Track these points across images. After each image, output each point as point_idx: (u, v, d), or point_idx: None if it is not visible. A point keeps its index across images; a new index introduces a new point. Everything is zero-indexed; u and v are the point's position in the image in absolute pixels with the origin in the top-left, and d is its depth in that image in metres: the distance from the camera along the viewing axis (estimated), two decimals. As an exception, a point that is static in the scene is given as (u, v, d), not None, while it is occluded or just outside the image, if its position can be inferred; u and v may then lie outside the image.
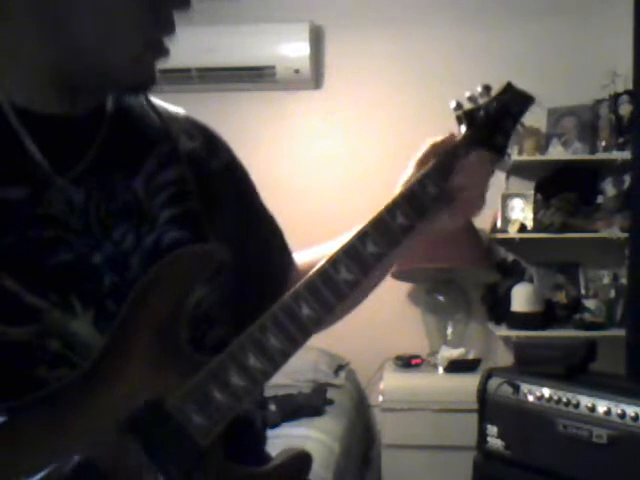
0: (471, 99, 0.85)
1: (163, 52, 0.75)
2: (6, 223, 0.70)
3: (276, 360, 0.72)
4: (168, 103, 0.89)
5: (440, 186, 0.81)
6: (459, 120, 0.84)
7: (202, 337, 0.79)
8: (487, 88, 0.85)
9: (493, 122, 0.84)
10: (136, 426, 0.68)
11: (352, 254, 0.76)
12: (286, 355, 0.73)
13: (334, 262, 0.75)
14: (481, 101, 0.85)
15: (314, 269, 0.75)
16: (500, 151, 0.85)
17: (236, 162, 0.94)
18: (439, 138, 0.84)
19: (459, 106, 0.85)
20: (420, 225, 0.80)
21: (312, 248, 0.98)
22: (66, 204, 0.72)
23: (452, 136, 0.84)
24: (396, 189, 0.81)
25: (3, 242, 0.69)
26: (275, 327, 0.72)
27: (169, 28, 0.74)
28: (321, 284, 0.74)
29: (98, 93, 0.78)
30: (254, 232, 0.93)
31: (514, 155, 3.11)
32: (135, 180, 0.77)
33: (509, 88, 0.86)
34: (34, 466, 0.65)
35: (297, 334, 0.73)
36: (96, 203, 0.74)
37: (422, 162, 0.84)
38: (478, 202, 0.84)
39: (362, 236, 0.77)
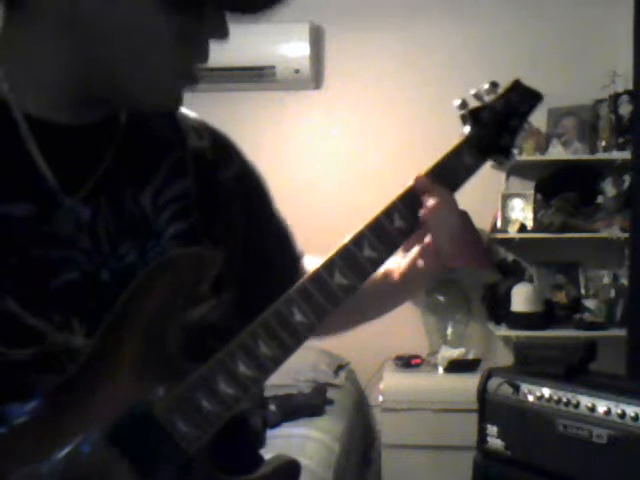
0: (477, 97, 0.81)
1: (193, 81, 0.72)
2: (11, 242, 0.68)
3: (267, 367, 0.71)
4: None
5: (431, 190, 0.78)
6: (463, 119, 0.81)
7: (212, 350, 0.76)
8: (494, 85, 0.82)
9: (499, 121, 0.81)
10: (121, 434, 0.67)
11: (347, 258, 0.73)
12: (277, 362, 0.71)
13: (328, 266, 0.73)
14: (487, 99, 0.81)
15: (307, 274, 0.73)
16: (505, 151, 0.82)
17: (249, 170, 0.90)
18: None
19: (464, 105, 0.81)
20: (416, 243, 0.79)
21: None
22: (73, 222, 0.71)
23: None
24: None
25: (7, 262, 0.67)
26: (266, 334, 0.71)
27: (203, 58, 0.72)
28: (314, 289, 0.72)
29: (117, 110, 0.76)
30: (262, 247, 0.91)
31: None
32: (143, 195, 0.75)
33: (517, 85, 0.82)
34: (18, 473, 0.64)
35: (289, 341, 0.71)
36: (104, 221, 0.72)
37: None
38: (444, 246, 0.80)
39: (358, 240, 0.74)
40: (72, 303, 0.70)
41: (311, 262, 0.97)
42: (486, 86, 0.82)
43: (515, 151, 0.84)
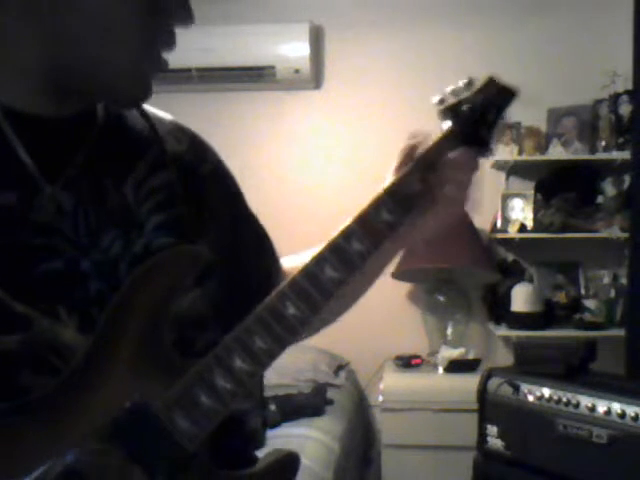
0: (454, 93, 0.84)
1: (161, 66, 0.74)
2: None
3: (263, 361, 0.71)
4: (158, 107, 0.88)
5: (425, 182, 0.80)
6: (443, 115, 0.84)
7: (193, 341, 0.78)
8: (469, 82, 0.84)
9: (477, 116, 0.83)
10: (120, 431, 0.67)
11: (337, 252, 0.74)
12: (273, 356, 0.72)
13: (318, 260, 0.74)
14: (464, 95, 0.83)
15: (298, 268, 0.74)
16: (484, 144, 0.84)
17: (223, 166, 0.93)
18: (412, 141, 0.83)
19: (442, 101, 0.84)
20: (406, 224, 0.79)
21: (303, 252, 0.97)
22: (55, 210, 0.71)
23: (427, 137, 0.82)
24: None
25: None
26: (261, 328, 0.71)
27: (169, 42, 0.73)
28: (306, 283, 0.73)
29: (89, 100, 0.77)
30: (241, 236, 0.93)
31: (514, 155, 3.12)
32: (125, 185, 0.77)
33: (491, 82, 0.84)
34: (16, 474, 0.64)
35: (283, 334, 0.72)
36: (85, 209, 0.73)
37: (401, 165, 0.83)
38: (462, 198, 0.82)
39: (347, 234, 0.75)
40: (56, 291, 0.70)
41: (290, 260, 0.99)
42: (462, 83, 0.84)
43: (493, 146, 0.85)
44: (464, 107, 0.82)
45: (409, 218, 0.79)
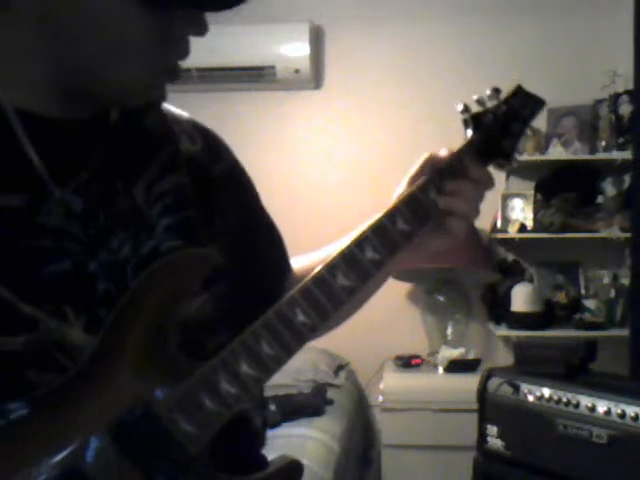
0: (479, 102, 0.82)
1: (174, 77, 0.74)
2: (3, 232, 0.68)
3: (269, 367, 0.71)
4: (171, 105, 0.88)
5: (442, 193, 0.79)
6: (465, 124, 0.81)
7: (203, 343, 0.77)
8: (496, 91, 0.82)
9: (501, 126, 0.81)
10: (123, 433, 0.67)
11: (350, 260, 0.73)
12: (280, 362, 0.71)
13: (331, 268, 0.73)
14: (489, 104, 0.82)
15: (310, 275, 0.73)
16: (507, 156, 0.82)
17: (238, 167, 0.92)
18: (437, 153, 0.81)
19: (466, 109, 0.81)
20: (421, 235, 0.79)
21: (310, 253, 0.96)
22: (65, 212, 0.71)
23: (447, 149, 0.81)
24: (393, 199, 0.79)
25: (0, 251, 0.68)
26: (268, 334, 0.71)
27: (182, 54, 0.73)
28: (317, 290, 0.72)
29: (101, 105, 0.77)
30: (254, 238, 0.92)
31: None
32: (136, 187, 0.76)
33: (519, 91, 0.83)
34: (19, 474, 0.64)
35: (291, 341, 0.71)
36: (95, 211, 0.73)
37: (417, 176, 0.81)
38: (472, 214, 0.82)
39: (361, 242, 0.75)
40: (63, 292, 0.70)
41: (296, 261, 0.99)
42: (488, 92, 0.82)
43: (517, 156, 0.84)
44: (488, 117, 0.81)
45: (425, 228, 0.78)
